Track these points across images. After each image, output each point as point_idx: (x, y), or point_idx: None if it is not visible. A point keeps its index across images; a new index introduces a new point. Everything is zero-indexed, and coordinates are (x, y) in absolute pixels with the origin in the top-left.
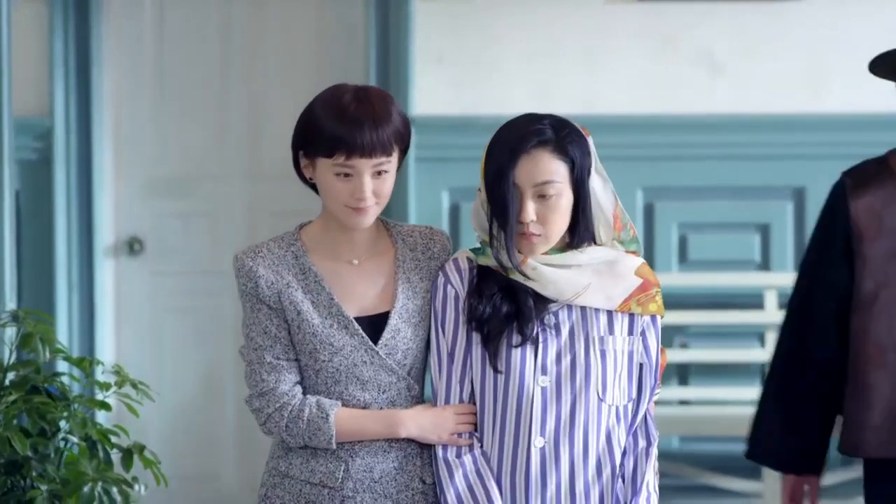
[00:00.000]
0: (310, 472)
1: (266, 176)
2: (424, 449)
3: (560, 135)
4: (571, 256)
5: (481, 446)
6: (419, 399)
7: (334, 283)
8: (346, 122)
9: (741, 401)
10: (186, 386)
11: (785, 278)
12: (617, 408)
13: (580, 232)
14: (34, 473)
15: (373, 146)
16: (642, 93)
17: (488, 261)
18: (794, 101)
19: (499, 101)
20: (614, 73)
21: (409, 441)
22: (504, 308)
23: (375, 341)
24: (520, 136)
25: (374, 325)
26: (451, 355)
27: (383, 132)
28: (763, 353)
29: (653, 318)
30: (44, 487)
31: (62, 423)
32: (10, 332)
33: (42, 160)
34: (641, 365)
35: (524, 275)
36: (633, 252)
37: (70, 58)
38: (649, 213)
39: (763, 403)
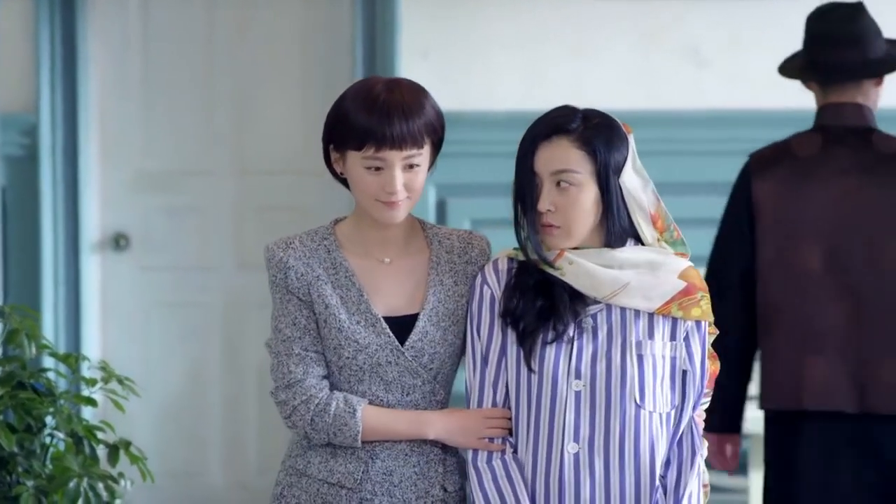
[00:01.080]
0: (328, 471)
1: (253, 171)
2: (448, 455)
3: (586, 126)
4: (609, 253)
5: (515, 451)
6: (444, 405)
7: (365, 280)
8: (376, 113)
9: None
10: (173, 382)
11: None
12: (660, 415)
13: (613, 230)
14: (20, 469)
15: (403, 138)
16: (629, 87)
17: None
18: (781, 95)
19: (485, 96)
20: (601, 67)
21: (433, 446)
22: (538, 303)
23: (402, 342)
24: (544, 124)
25: (402, 326)
26: (485, 359)
27: (414, 124)
28: None
29: (697, 323)
30: (30, 483)
31: (48, 419)
32: None
33: (28, 156)
34: (685, 372)
35: (554, 267)
36: (682, 254)
37: (56, 53)
38: None
39: None
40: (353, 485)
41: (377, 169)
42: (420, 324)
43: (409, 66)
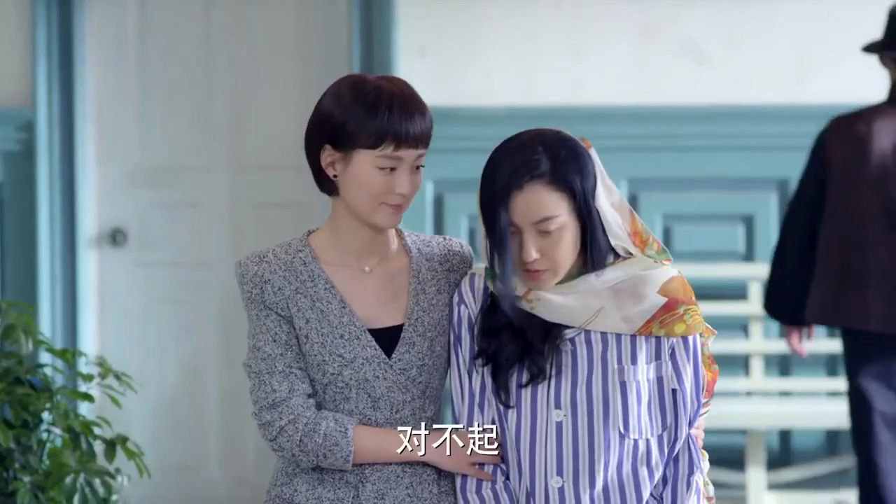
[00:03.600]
0: (316, 499)
1: (249, 166)
2: (442, 477)
3: (556, 163)
4: (583, 282)
5: (507, 478)
6: (434, 421)
7: (345, 291)
8: (396, 110)
9: (724, 392)
10: (170, 377)
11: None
12: (648, 441)
13: (592, 257)
14: (17, 465)
15: (421, 136)
16: (627, 83)
17: (494, 288)
18: (778, 91)
19: (483, 92)
20: (599, 63)
21: (425, 467)
22: (511, 345)
23: (388, 355)
24: (512, 169)
25: (386, 339)
26: (469, 373)
27: (427, 121)
28: (747, 344)
29: (684, 339)
30: (26, 479)
31: (45, 415)
32: None
33: (25, 151)
34: (675, 391)
35: (531, 303)
36: (665, 261)
37: (52, 48)
38: (634, 203)
39: (777, 270)
40: None
41: (391, 169)
42: (406, 335)
43: (406, 62)
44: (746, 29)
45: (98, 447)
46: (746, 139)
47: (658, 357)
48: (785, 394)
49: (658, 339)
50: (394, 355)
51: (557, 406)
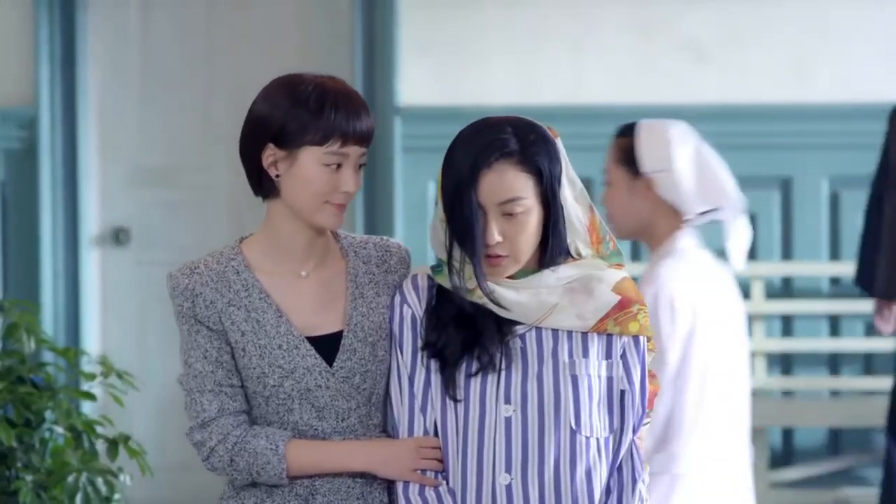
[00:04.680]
0: None
1: None
2: (393, 485)
3: (525, 144)
4: (539, 278)
5: (448, 483)
6: (381, 429)
7: (280, 299)
8: (342, 107)
9: None
10: (172, 376)
11: (771, 268)
12: (597, 440)
13: (552, 250)
14: (19, 464)
15: (368, 133)
16: (628, 82)
17: (445, 281)
18: (780, 90)
19: (485, 91)
20: (600, 62)
21: (375, 477)
22: (461, 335)
23: (330, 363)
24: (479, 149)
25: (326, 346)
26: (411, 380)
27: (370, 121)
28: (750, 343)
29: (635, 339)
30: (29, 478)
31: (47, 414)
32: None
33: (27, 150)
34: (623, 392)
35: (483, 299)
36: (618, 265)
37: (55, 47)
38: None
39: (861, 242)
40: None
41: (337, 166)
42: (346, 342)
43: (409, 62)
44: (747, 28)
45: (100, 446)
46: (748, 138)
47: (609, 356)
48: (787, 392)
49: (610, 338)
50: (335, 363)
51: (507, 401)
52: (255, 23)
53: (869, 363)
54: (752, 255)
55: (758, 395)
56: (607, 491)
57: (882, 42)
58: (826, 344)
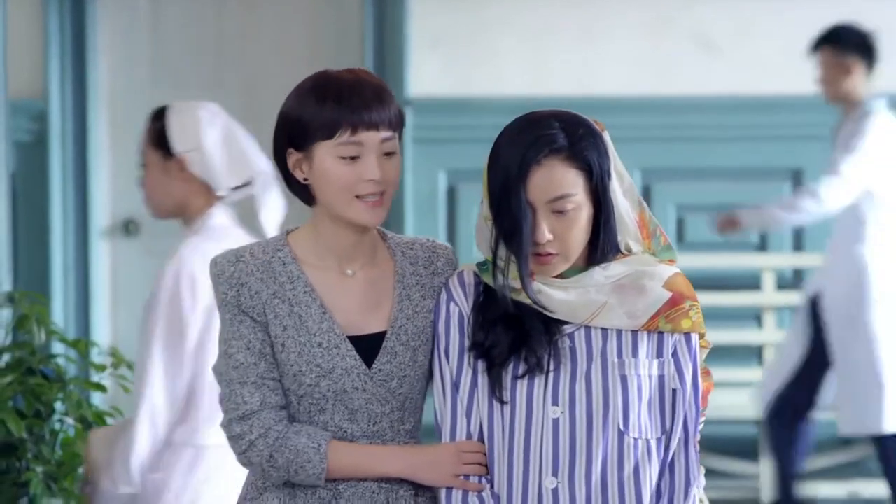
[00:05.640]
0: None
1: None
2: (420, 493)
3: (574, 139)
4: (588, 276)
5: (492, 488)
6: (412, 434)
7: (326, 296)
8: (346, 95)
9: (738, 382)
10: None
11: (782, 260)
12: (646, 442)
13: (603, 247)
14: (29, 455)
15: (380, 118)
16: (639, 74)
17: (492, 280)
18: (790, 82)
19: (495, 82)
20: (610, 53)
21: (403, 483)
22: (509, 335)
23: (368, 365)
24: (528, 144)
25: (367, 347)
26: (455, 385)
27: (387, 105)
28: (761, 335)
29: (687, 336)
30: (39, 469)
31: (57, 405)
32: (6, 314)
33: (37, 142)
34: (675, 391)
35: (531, 299)
36: (670, 261)
37: (65, 40)
38: (647, 194)
39: None
40: None
41: (353, 159)
42: (388, 344)
43: (419, 53)
44: (757, 19)
45: None
46: (759, 129)
47: (660, 355)
48: None
49: (661, 336)
50: (374, 365)
51: (555, 402)
52: (264, 14)
53: None
54: (763, 246)
55: None
56: (658, 494)
57: (893, 32)
58: None
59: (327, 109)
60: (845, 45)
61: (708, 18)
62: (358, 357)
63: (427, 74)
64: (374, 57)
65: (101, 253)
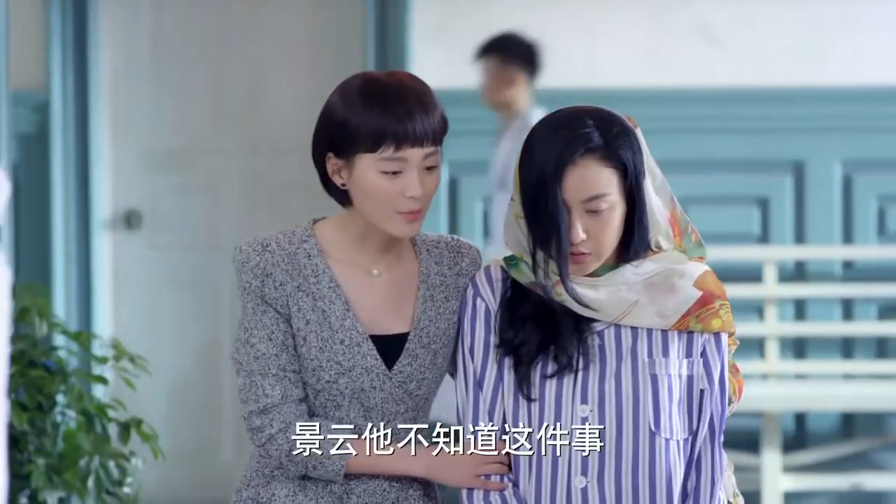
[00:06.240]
0: None
1: (264, 149)
2: (429, 491)
3: (608, 138)
4: (619, 274)
5: (516, 486)
6: (425, 433)
7: (350, 292)
8: (392, 107)
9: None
10: (184, 360)
11: (784, 252)
12: (677, 443)
13: (636, 245)
14: (31, 447)
15: (424, 132)
16: (641, 65)
17: (521, 277)
18: (793, 73)
19: None
20: (613, 45)
21: (412, 482)
22: (539, 333)
23: (389, 366)
24: (563, 144)
25: (388, 347)
26: (479, 383)
27: (433, 117)
28: (763, 327)
29: (717, 336)
30: (41, 461)
31: (59, 398)
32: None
33: (39, 134)
34: (703, 391)
35: (563, 296)
36: (700, 258)
37: (67, 31)
38: None
39: None
40: None
41: (394, 173)
42: (410, 346)
43: (421, 45)
44: (760, 11)
45: (112, 430)
46: (761, 121)
47: (689, 354)
48: (800, 376)
49: (690, 335)
50: (395, 367)
51: (584, 401)
52: (267, 7)
53: (882, 347)
54: (765, 238)
55: (771, 378)
56: (684, 494)
57: (892, 27)
58: (839, 328)
59: (372, 120)
60: (511, 55)
61: (710, 10)
62: (378, 357)
63: (429, 67)
64: (377, 49)
65: (103, 245)
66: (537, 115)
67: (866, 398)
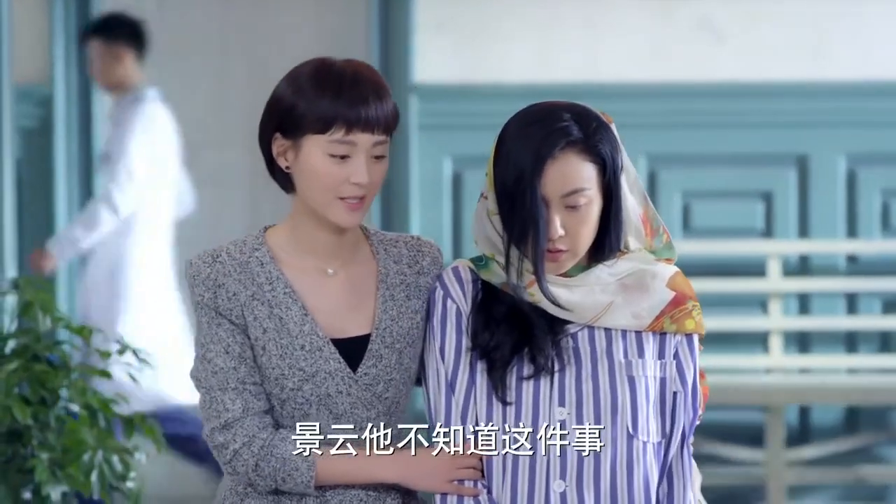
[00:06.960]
0: None
1: None
2: (408, 500)
3: (588, 131)
4: (593, 274)
5: (489, 493)
6: (397, 440)
7: (307, 297)
8: (346, 91)
9: (744, 369)
10: (188, 355)
11: (788, 246)
12: (653, 445)
13: (611, 243)
14: (35, 442)
15: (377, 119)
16: (644, 60)
17: (492, 277)
18: (796, 68)
19: (500, 68)
20: (616, 39)
21: (391, 489)
22: (513, 335)
23: (353, 369)
24: (541, 138)
25: (350, 350)
26: (451, 385)
27: (386, 105)
28: (766, 321)
29: (689, 337)
30: (44, 456)
31: (63, 392)
32: (11, 301)
33: (42, 128)
34: (675, 394)
35: (537, 296)
36: (668, 260)
37: (70, 25)
38: (652, 180)
39: None
40: None
41: (343, 157)
42: (373, 347)
43: (424, 38)
44: (763, 5)
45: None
46: (764, 116)
47: (662, 356)
48: (804, 370)
49: (663, 336)
50: (359, 369)
51: (561, 403)
52: (269, 2)
53: (886, 341)
54: (769, 232)
55: (775, 372)
56: (656, 500)
57: (891, 19)
58: (843, 322)
59: (325, 102)
60: (115, 34)
61: (714, 4)
62: (342, 360)
63: (433, 60)
64: (380, 42)
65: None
66: (152, 94)
67: (870, 392)
